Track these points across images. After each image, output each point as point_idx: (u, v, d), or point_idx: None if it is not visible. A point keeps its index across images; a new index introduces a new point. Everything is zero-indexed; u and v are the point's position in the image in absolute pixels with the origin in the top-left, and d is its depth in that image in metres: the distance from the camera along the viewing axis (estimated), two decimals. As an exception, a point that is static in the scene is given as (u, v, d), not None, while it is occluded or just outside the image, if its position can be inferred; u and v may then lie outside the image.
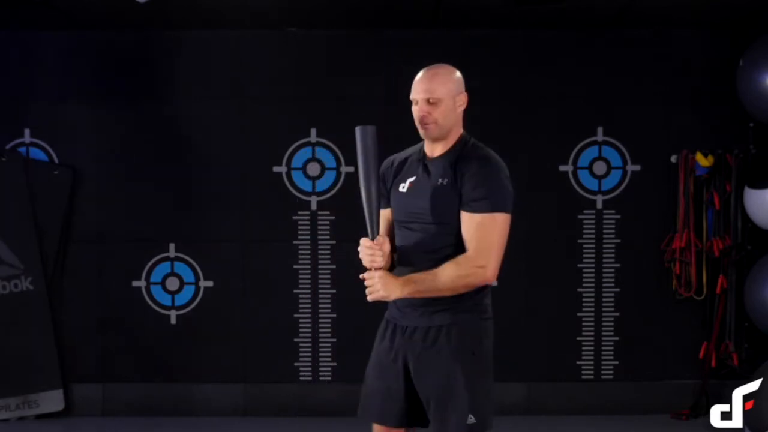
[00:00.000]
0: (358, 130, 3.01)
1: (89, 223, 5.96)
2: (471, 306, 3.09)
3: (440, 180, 3.06)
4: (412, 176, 3.14)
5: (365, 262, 3.02)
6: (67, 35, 5.91)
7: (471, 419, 3.01)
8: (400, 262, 3.17)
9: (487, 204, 2.97)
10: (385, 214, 3.20)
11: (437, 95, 3.05)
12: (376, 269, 3.00)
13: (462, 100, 3.11)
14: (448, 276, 2.94)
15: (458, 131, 3.15)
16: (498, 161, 3.10)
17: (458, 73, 3.15)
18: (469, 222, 2.98)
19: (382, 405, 3.19)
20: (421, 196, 3.09)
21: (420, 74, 3.12)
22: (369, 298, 3.03)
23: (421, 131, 3.13)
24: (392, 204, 3.19)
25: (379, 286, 2.98)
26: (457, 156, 3.08)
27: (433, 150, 3.15)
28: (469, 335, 3.07)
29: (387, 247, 3.05)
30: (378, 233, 3.03)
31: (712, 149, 5.79)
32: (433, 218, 3.06)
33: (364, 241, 3.02)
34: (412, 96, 3.12)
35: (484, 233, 2.95)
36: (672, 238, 5.85)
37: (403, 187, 3.14)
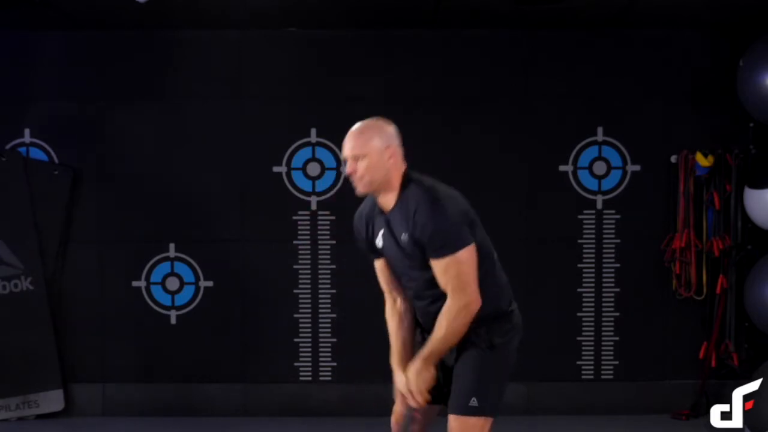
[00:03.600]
0: None
1: (89, 223, 5.96)
2: (493, 314, 3.29)
3: (402, 235, 3.20)
4: (380, 230, 3.30)
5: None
6: (67, 35, 5.91)
7: (473, 402, 3.22)
8: (413, 297, 3.38)
9: (447, 249, 3.12)
10: (378, 265, 3.43)
11: (361, 152, 3.17)
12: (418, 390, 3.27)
13: (390, 152, 3.19)
14: (447, 331, 3.17)
15: (397, 178, 3.23)
16: (443, 196, 3.18)
17: (387, 128, 3.25)
18: (438, 268, 3.16)
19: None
20: (394, 250, 3.27)
21: (348, 133, 3.23)
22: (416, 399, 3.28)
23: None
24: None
25: (415, 387, 3.25)
26: (407, 206, 3.18)
27: (386, 203, 3.26)
28: (491, 332, 3.27)
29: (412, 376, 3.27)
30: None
31: (712, 149, 5.78)
32: (411, 267, 3.25)
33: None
34: (342, 155, 3.25)
35: (453, 275, 3.14)
36: (672, 238, 5.85)
37: (379, 242, 3.31)
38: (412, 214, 3.14)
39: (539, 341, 5.95)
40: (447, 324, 3.16)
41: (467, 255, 3.12)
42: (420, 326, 3.43)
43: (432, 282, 3.20)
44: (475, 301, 3.15)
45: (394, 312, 3.42)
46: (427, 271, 3.20)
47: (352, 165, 3.18)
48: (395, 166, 3.20)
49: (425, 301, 3.30)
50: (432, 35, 5.90)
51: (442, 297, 3.20)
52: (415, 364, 3.23)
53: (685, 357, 5.93)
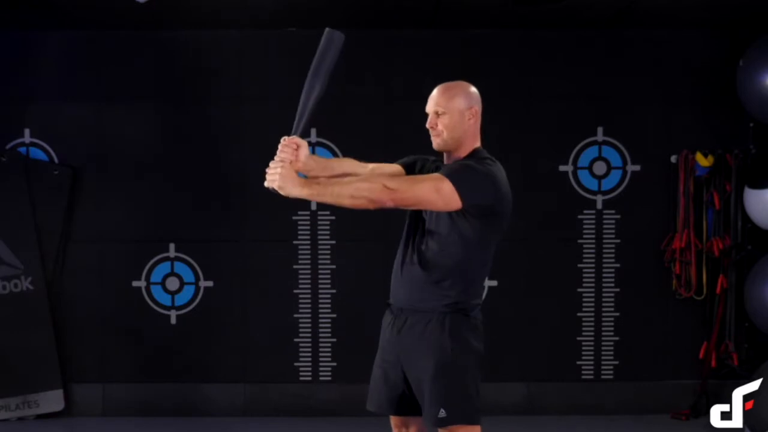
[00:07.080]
0: (327, 31, 3.26)
1: (89, 223, 5.96)
2: (456, 303, 3.16)
3: None
4: None
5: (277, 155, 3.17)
6: (67, 35, 5.91)
7: (442, 413, 3.08)
8: (408, 251, 3.25)
9: (443, 171, 3.10)
10: (390, 166, 3.37)
11: (444, 108, 3.20)
12: (281, 162, 3.13)
13: (472, 113, 3.23)
14: (354, 186, 3.04)
15: (471, 145, 3.25)
16: (491, 168, 3.15)
17: (472, 89, 3.30)
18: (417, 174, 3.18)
19: (380, 394, 3.35)
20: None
21: (435, 88, 3.27)
22: (265, 184, 3.14)
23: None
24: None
25: (277, 176, 3.09)
26: None
27: (448, 162, 3.26)
28: (449, 332, 3.14)
29: (302, 152, 3.22)
30: (299, 134, 3.26)
31: (712, 149, 5.79)
32: (433, 229, 3.17)
33: (284, 138, 3.21)
34: (426, 109, 3.27)
35: (418, 179, 3.12)
36: (672, 238, 5.85)
37: None
38: None
39: (539, 341, 5.96)
40: (360, 183, 3.05)
41: (450, 190, 3.02)
42: (388, 306, 3.34)
43: (432, 247, 3.15)
44: (392, 198, 2.99)
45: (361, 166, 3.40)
46: (438, 235, 3.14)
47: (433, 119, 3.21)
48: (473, 129, 3.24)
49: (411, 258, 3.20)
50: (432, 35, 5.90)
51: (427, 264, 3.15)
52: (292, 173, 3.10)
53: (685, 357, 5.94)
